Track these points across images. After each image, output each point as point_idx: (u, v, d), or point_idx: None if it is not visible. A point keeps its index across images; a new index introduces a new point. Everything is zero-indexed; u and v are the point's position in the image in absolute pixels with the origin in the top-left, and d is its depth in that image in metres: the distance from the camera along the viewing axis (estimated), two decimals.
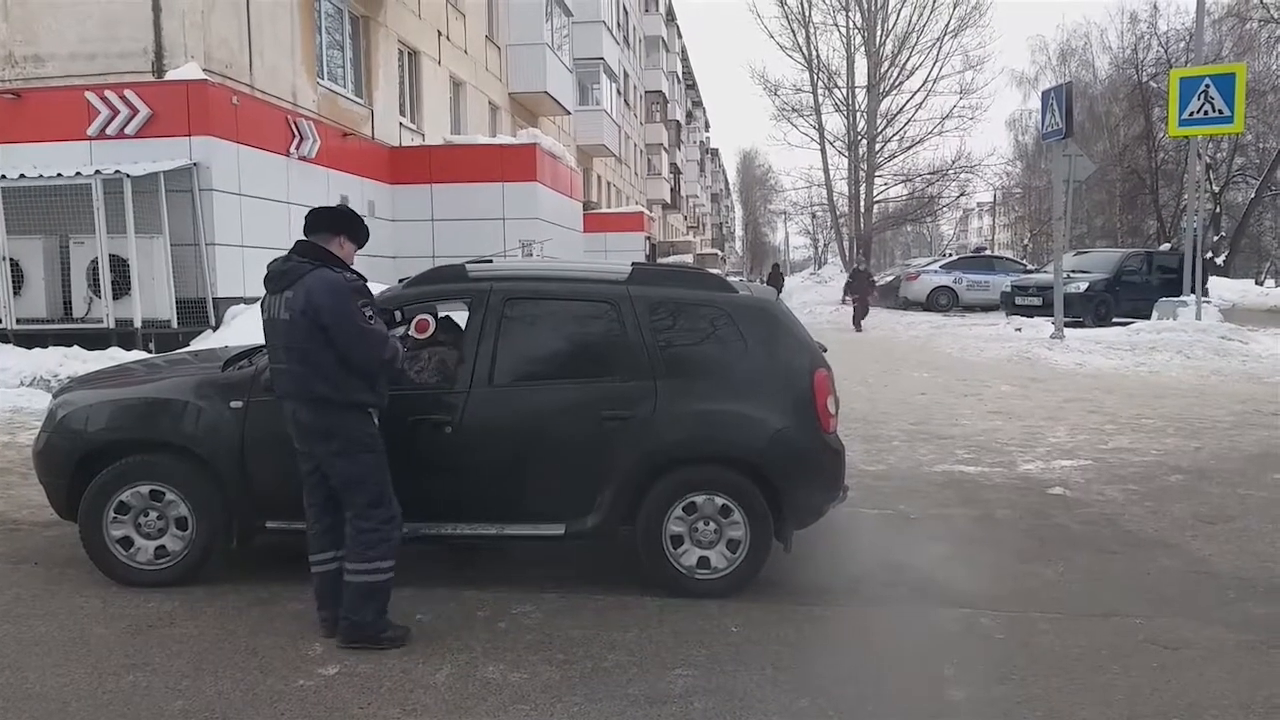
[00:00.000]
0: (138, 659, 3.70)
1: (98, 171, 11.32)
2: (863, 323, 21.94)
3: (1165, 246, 22.95)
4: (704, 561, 4.44)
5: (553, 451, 4.38)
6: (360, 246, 4.01)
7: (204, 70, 12.50)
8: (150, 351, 10.92)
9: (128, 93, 12.16)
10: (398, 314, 4.33)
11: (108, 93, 12.16)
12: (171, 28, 12.80)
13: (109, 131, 12.09)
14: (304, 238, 3.89)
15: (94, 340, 11.06)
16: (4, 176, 11.51)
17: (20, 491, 6.21)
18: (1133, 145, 35.34)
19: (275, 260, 3.89)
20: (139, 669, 3.61)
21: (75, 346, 10.82)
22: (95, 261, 11.48)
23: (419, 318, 4.32)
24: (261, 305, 3.94)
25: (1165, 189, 34.45)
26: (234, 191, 12.66)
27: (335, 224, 3.92)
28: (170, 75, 12.50)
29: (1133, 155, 35.23)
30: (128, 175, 11.28)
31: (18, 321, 11.54)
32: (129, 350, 10.71)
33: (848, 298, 23.96)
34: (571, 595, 4.42)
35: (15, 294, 11.61)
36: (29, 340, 11.19)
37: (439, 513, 4.42)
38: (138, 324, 11.42)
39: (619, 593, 4.42)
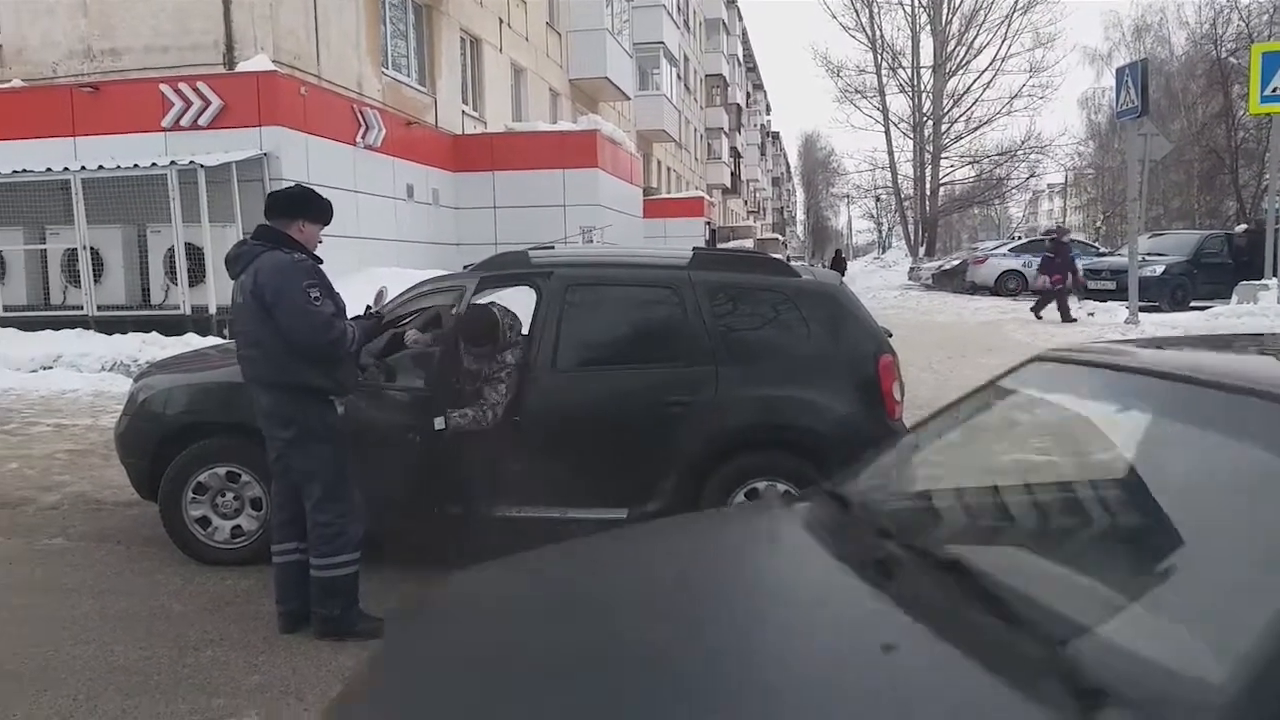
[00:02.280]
0: (215, 634, 3.83)
1: (173, 162, 11.66)
2: (1070, 310, 16.90)
3: (1240, 228, 22.05)
4: None
5: (615, 436, 4.41)
6: (323, 226, 3.90)
7: (273, 61, 12.78)
8: (224, 337, 11.22)
9: (200, 85, 12.49)
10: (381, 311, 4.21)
11: (181, 85, 12.50)
12: (241, 20, 13.11)
13: (183, 123, 12.44)
14: (264, 221, 3.83)
15: (171, 326, 11.43)
16: (84, 168, 11.92)
17: (103, 473, 6.45)
18: (1211, 123, 34.09)
19: (233, 245, 3.88)
20: (217, 644, 3.74)
21: (153, 332, 11.21)
22: (171, 250, 11.84)
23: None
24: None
25: (1245, 169, 33.18)
26: (304, 180, 12.90)
27: (291, 207, 3.82)
28: (241, 67, 12.81)
29: (1211, 134, 33.99)
30: (201, 166, 11.60)
31: (99, 308, 11.96)
32: (204, 336, 11.05)
33: (1043, 278, 17.46)
34: None
35: (96, 282, 12.03)
36: (109, 326, 11.59)
37: (504, 496, 4.48)
38: (212, 310, 11.75)
39: None
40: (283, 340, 3.60)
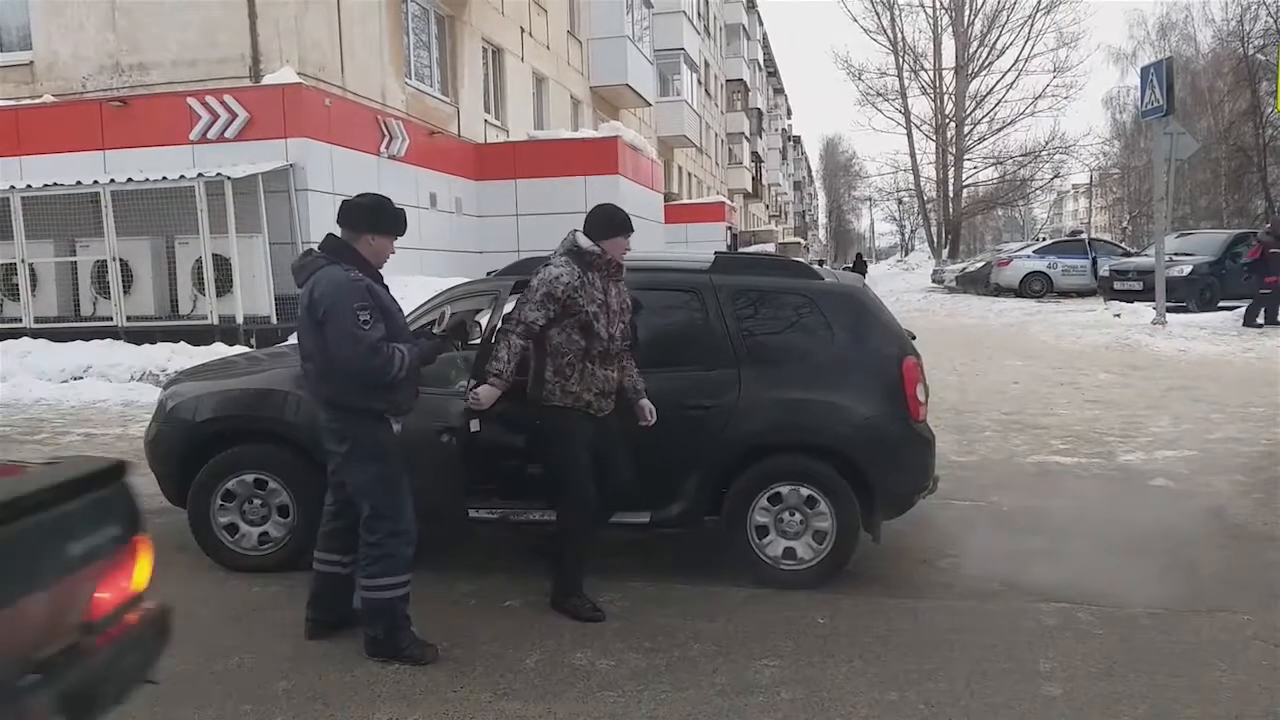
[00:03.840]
0: (244, 641, 3.86)
1: (200, 174, 11.79)
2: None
3: (1267, 227, 21.75)
4: (790, 552, 4.41)
5: (637, 439, 4.41)
6: (395, 238, 3.78)
7: (298, 74, 12.91)
8: (251, 346, 11.35)
9: (227, 98, 12.63)
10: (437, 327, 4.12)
11: (208, 98, 12.66)
12: (267, 33, 13.26)
13: (210, 135, 12.58)
14: (332, 232, 3.73)
15: (199, 336, 11.57)
16: (113, 181, 12.08)
17: (132, 481, 6.50)
18: (1238, 122, 33.69)
19: (300, 254, 3.82)
20: (245, 650, 3.77)
21: (182, 342, 11.34)
22: (199, 261, 11.98)
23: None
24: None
25: (1274, 167, 32.78)
26: (328, 191, 13.04)
27: (361, 218, 3.68)
28: (266, 80, 12.95)
29: (1238, 132, 33.58)
30: (228, 177, 11.72)
31: (128, 319, 12.11)
32: (231, 345, 11.16)
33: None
34: (658, 584, 4.45)
35: (125, 293, 12.18)
36: (138, 337, 11.73)
37: (529, 500, 4.49)
38: (240, 320, 11.88)
39: (704, 582, 4.43)
40: (331, 359, 3.56)
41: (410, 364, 3.62)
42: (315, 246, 3.74)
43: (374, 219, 3.70)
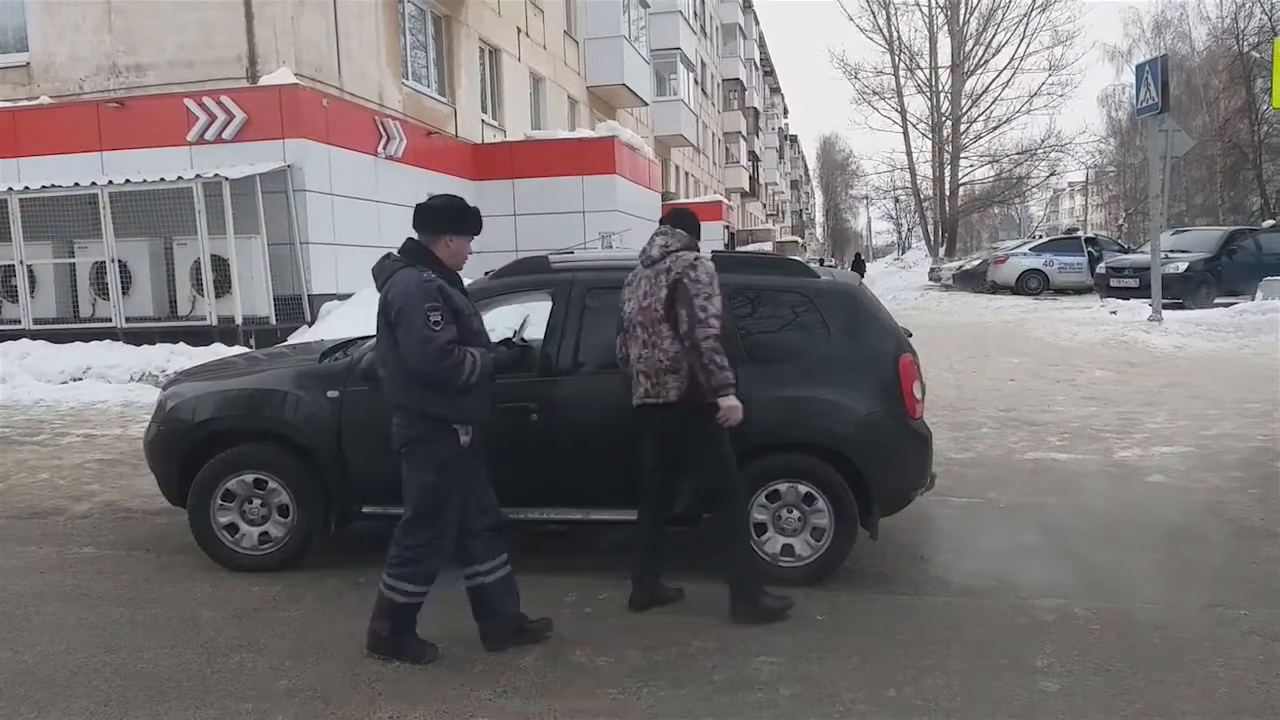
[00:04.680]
0: (244, 640, 3.88)
1: (198, 175, 11.80)
2: None
3: (1268, 223, 21.75)
4: (788, 549, 4.43)
5: (635, 439, 4.42)
6: (472, 238, 3.74)
7: (295, 75, 12.90)
8: (250, 347, 11.35)
9: (224, 99, 12.64)
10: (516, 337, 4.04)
11: (205, 99, 12.66)
12: (263, 34, 13.25)
13: (207, 136, 12.59)
14: (411, 235, 3.70)
15: (198, 337, 11.58)
16: (111, 182, 12.08)
17: (132, 481, 6.54)
18: (1234, 119, 33.77)
19: (380, 257, 3.78)
20: (246, 650, 3.79)
21: (180, 343, 11.35)
22: (198, 262, 11.99)
23: None
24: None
25: (1269, 163, 32.84)
26: (326, 192, 13.05)
27: (439, 221, 3.65)
28: (264, 80, 12.95)
29: (1234, 129, 33.65)
30: (226, 178, 11.73)
31: (127, 320, 12.12)
32: (231, 346, 11.17)
33: None
34: None
35: (124, 294, 12.19)
36: (137, 338, 11.74)
37: (527, 498, 4.51)
38: (238, 321, 11.88)
39: (703, 580, 4.44)
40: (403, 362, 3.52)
41: (482, 369, 3.55)
42: (393, 251, 3.70)
43: (451, 220, 3.67)
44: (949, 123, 37.84)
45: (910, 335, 4.77)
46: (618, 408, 4.45)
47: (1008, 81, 37.09)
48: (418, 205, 3.72)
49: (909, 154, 39.99)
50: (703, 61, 42.00)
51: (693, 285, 3.91)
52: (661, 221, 4.23)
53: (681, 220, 4.19)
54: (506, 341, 3.91)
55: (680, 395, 3.93)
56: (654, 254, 4.07)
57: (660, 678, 3.50)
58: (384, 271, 3.63)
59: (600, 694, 3.39)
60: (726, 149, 51.95)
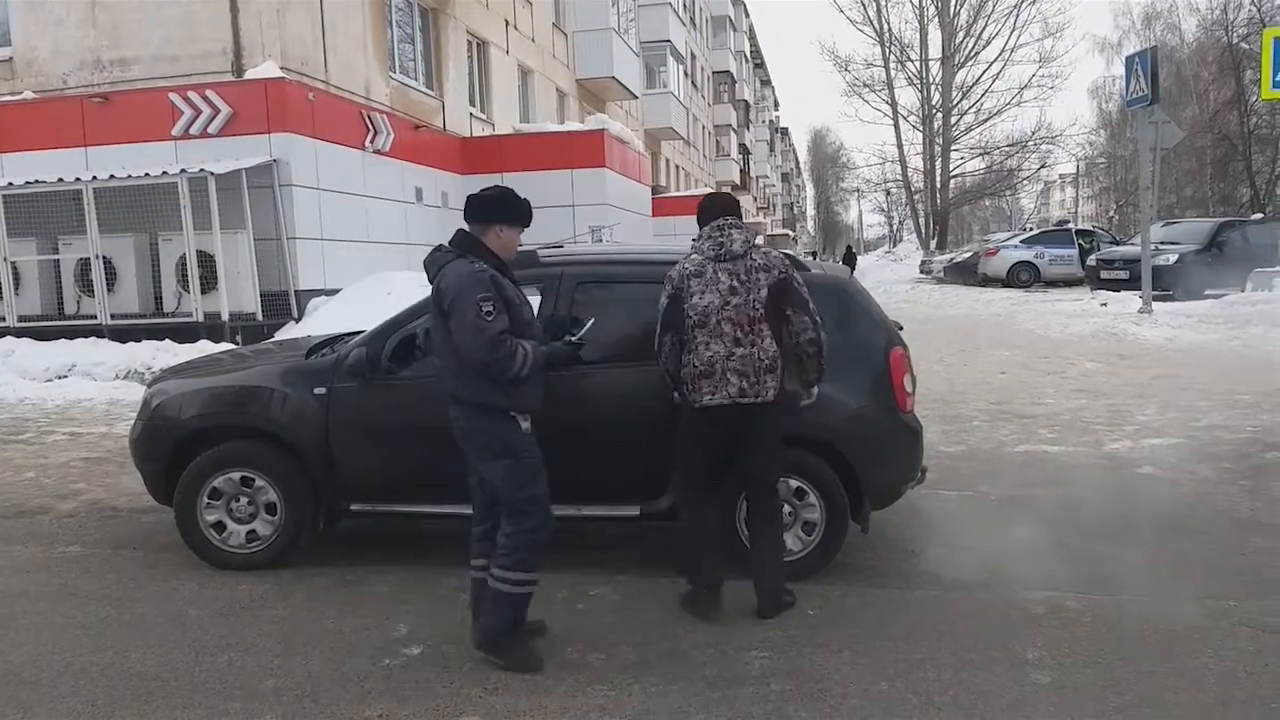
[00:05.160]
0: (232, 639, 3.84)
1: (183, 170, 11.71)
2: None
3: (1257, 215, 21.80)
4: None
5: (626, 433, 4.40)
6: (523, 229, 3.74)
7: (281, 68, 12.82)
8: (237, 343, 11.29)
9: (209, 93, 12.55)
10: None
11: (190, 93, 12.57)
12: (249, 28, 13.16)
13: (193, 131, 12.51)
14: (463, 227, 3.68)
15: (184, 333, 11.51)
16: (95, 178, 11.99)
17: (119, 480, 6.49)
18: (1223, 110, 33.85)
19: (431, 250, 3.75)
20: (233, 649, 3.75)
21: (166, 340, 11.28)
22: (183, 258, 11.91)
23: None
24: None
25: (1259, 155, 32.93)
26: (312, 186, 12.97)
27: (489, 211, 3.64)
28: (249, 74, 12.86)
29: (1223, 121, 33.74)
30: (212, 173, 11.64)
31: (112, 317, 12.04)
32: (217, 342, 11.10)
33: None
34: (648, 577, 4.45)
35: (109, 290, 12.10)
36: (123, 335, 11.66)
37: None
38: (225, 317, 11.81)
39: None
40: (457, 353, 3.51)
41: (534, 362, 3.54)
42: (443, 244, 3.67)
43: (502, 211, 3.66)
44: (940, 115, 37.89)
45: (901, 328, 4.76)
46: (611, 400, 4.43)
47: (998, 74, 37.11)
48: (469, 196, 3.70)
49: (900, 146, 40.07)
50: (692, 54, 41.93)
51: (800, 288, 3.95)
52: (711, 213, 4.09)
53: (739, 211, 4.16)
54: (565, 340, 3.80)
55: (776, 394, 3.93)
56: (735, 249, 3.95)
57: (652, 673, 3.49)
58: (436, 263, 3.60)
59: (592, 690, 3.38)
60: (717, 142, 51.89)
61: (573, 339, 3.81)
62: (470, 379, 3.52)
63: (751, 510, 4.13)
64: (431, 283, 3.61)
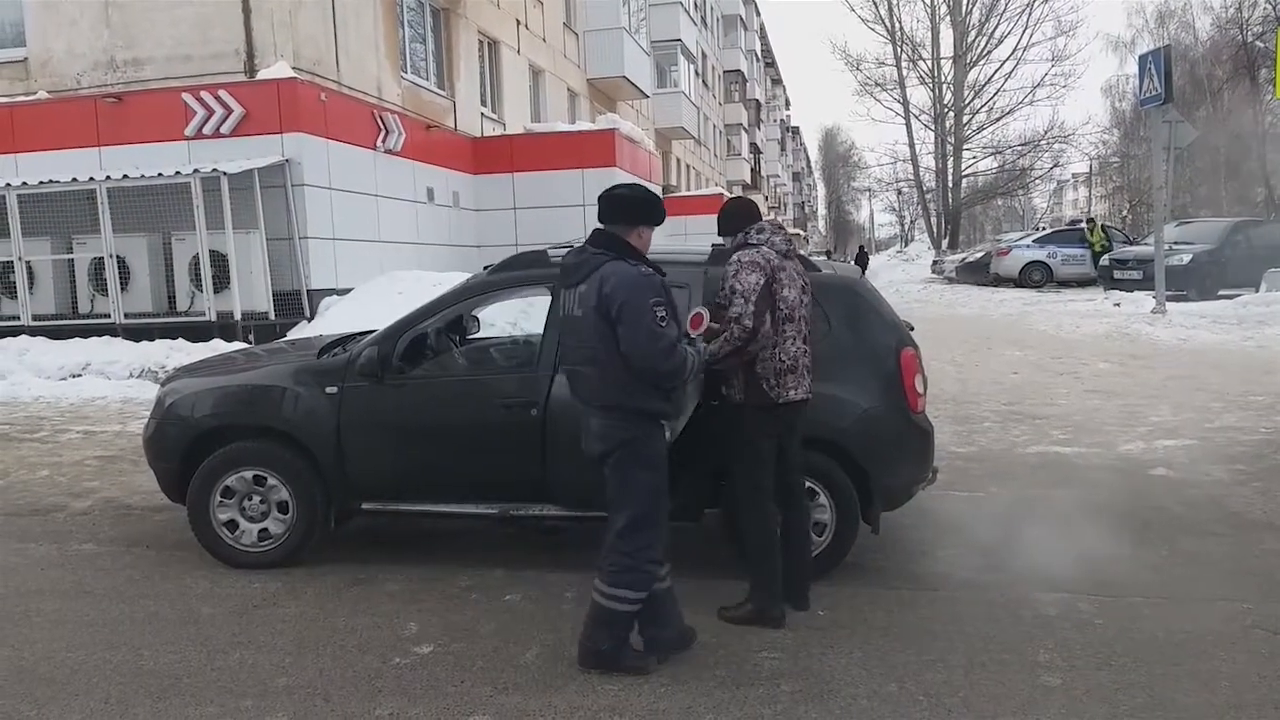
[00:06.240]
0: (244, 637, 3.87)
1: (196, 170, 11.76)
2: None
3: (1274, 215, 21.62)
4: None
5: None
6: (657, 226, 3.66)
7: (293, 68, 12.86)
8: (250, 342, 11.33)
9: (222, 93, 12.59)
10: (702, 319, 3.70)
11: (203, 93, 12.61)
12: (261, 28, 13.21)
13: (205, 131, 12.55)
14: (600, 226, 3.56)
15: (197, 332, 11.56)
16: (109, 177, 12.05)
17: (132, 478, 6.52)
18: (1238, 109, 33.62)
19: (569, 251, 3.63)
20: (245, 647, 3.78)
21: (180, 339, 11.35)
22: (196, 257, 11.96)
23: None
24: (558, 301, 3.64)
25: (1274, 154, 32.66)
26: (324, 186, 13.01)
27: (634, 212, 3.54)
28: (261, 75, 12.91)
29: (1238, 120, 33.50)
30: (224, 173, 11.69)
31: (126, 316, 12.10)
32: (230, 341, 11.15)
33: None
34: None
35: (123, 290, 12.16)
36: (136, 334, 11.73)
37: (527, 494, 4.49)
38: (237, 316, 11.86)
39: (702, 576, 4.42)
40: (621, 359, 3.37)
41: (696, 367, 3.51)
42: (586, 244, 3.55)
43: (647, 212, 3.58)
44: (951, 114, 37.75)
45: (912, 328, 4.74)
46: None
47: (1010, 72, 37.00)
48: (609, 195, 3.61)
49: (911, 146, 39.93)
50: (703, 53, 41.89)
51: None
52: (749, 216, 4.09)
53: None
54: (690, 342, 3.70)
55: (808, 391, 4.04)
56: (785, 249, 4.02)
57: (661, 673, 3.49)
58: (587, 265, 3.46)
59: (601, 689, 3.38)
60: (728, 141, 51.81)
61: (690, 337, 3.67)
62: (635, 386, 3.40)
63: (791, 510, 4.09)
64: (574, 284, 3.48)
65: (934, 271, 33.16)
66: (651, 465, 3.46)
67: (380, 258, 13.96)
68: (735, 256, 3.95)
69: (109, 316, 12.07)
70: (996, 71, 37.06)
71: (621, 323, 3.34)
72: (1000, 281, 25.04)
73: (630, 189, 3.66)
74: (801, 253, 4.56)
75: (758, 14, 62.60)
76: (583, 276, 3.45)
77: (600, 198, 3.61)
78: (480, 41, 19.50)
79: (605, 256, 3.45)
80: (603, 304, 3.36)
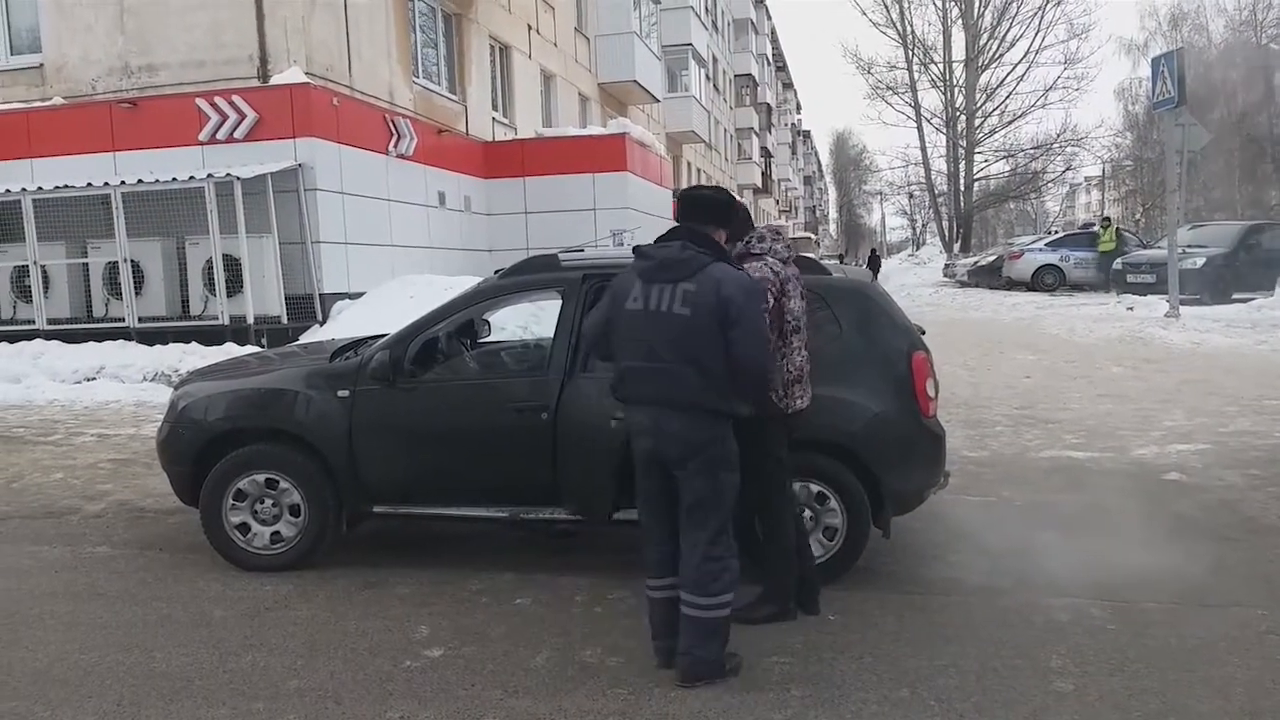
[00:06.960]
0: (255, 640, 3.88)
1: (210, 175, 11.84)
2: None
3: None
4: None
5: None
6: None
7: (306, 74, 12.92)
8: (262, 346, 11.39)
9: (235, 98, 12.67)
10: None
11: (217, 99, 12.70)
12: (274, 34, 13.28)
13: (219, 136, 12.63)
14: (688, 224, 3.50)
15: (210, 336, 11.63)
16: (123, 182, 12.14)
17: (145, 481, 6.56)
18: (1252, 112, 33.45)
19: (659, 246, 3.47)
20: (257, 649, 3.79)
21: (193, 342, 11.41)
22: (210, 261, 12.03)
23: None
24: (627, 294, 3.44)
25: None
26: (337, 190, 13.08)
27: (721, 215, 3.55)
28: (275, 80, 12.97)
29: (1252, 122, 33.35)
30: (238, 178, 11.76)
31: (139, 320, 12.18)
32: (243, 345, 11.21)
33: None
34: None
35: (137, 294, 12.25)
36: (150, 337, 11.80)
37: (537, 498, 4.50)
38: (250, 320, 11.92)
39: None
40: (726, 361, 3.32)
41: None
42: (687, 243, 3.43)
43: (727, 214, 3.61)
44: (963, 117, 37.63)
45: (924, 332, 4.73)
46: None
47: (1022, 75, 36.75)
48: (699, 196, 3.62)
49: (923, 149, 39.79)
50: (714, 57, 41.91)
51: None
52: (746, 222, 3.99)
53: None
54: None
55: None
56: (787, 255, 3.99)
57: (669, 678, 3.48)
58: (691, 263, 3.36)
59: (611, 693, 3.38)
60: (739, 145, 51.82)
61: None
62: (728, 387, 3.37)
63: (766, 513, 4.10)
64: (670, 281, 3.36)
65: (946, 275, 33.05)
66: (735, 466, 3.46)
67: (392, 262, 14.02)
68: (744, 269, 3.93)
69: (123, 320, 12.16)
70: (1009, 75, 36.93)
71: (738, 325, 3.31)
72: (1012, 285, 24.94)
73: (716, 191, 3.72)
74: (812, 256, 4.56)
75: (769, 18, 62.61)
76: (686, 274, 3.35)
77: (685, 197, 3.61)
78: (492, 46, 19.55)
79: (709, 257, 3.40)
80: (721, 306, 3.30)
